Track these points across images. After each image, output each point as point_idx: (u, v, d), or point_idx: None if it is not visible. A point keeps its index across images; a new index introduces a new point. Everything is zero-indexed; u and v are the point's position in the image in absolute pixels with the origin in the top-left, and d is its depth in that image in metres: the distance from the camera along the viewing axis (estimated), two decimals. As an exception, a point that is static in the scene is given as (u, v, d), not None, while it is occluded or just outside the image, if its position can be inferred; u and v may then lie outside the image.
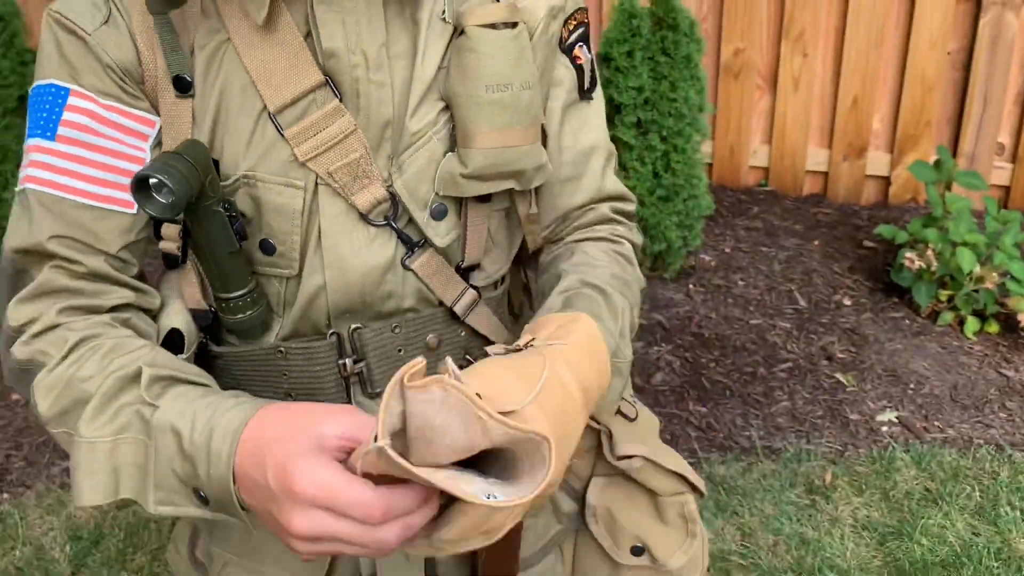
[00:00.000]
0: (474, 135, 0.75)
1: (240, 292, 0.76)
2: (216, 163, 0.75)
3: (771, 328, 2.68)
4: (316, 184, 0.75)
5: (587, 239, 0.87)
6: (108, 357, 0.70)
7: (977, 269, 2.55)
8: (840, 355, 2.57)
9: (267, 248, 0.76)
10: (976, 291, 2.62)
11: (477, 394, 0.54)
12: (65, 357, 0.70)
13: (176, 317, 0.78)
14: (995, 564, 1.91)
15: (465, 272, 0.83)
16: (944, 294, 2.67)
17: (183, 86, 0.73)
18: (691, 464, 0.96)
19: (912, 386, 2.46)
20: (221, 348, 0.82)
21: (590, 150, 0.86)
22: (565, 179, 0.85)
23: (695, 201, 2.72)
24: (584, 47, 0.84)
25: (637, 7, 2.66)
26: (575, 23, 0.83)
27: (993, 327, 2.65)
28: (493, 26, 0.75)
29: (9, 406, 2.47)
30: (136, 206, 0.73)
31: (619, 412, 0.88)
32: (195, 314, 0.79)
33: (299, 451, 0.58)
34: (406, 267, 0.78)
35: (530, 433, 0.54)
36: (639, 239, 0.92)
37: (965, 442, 2.26)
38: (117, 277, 0.75)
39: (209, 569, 0.88)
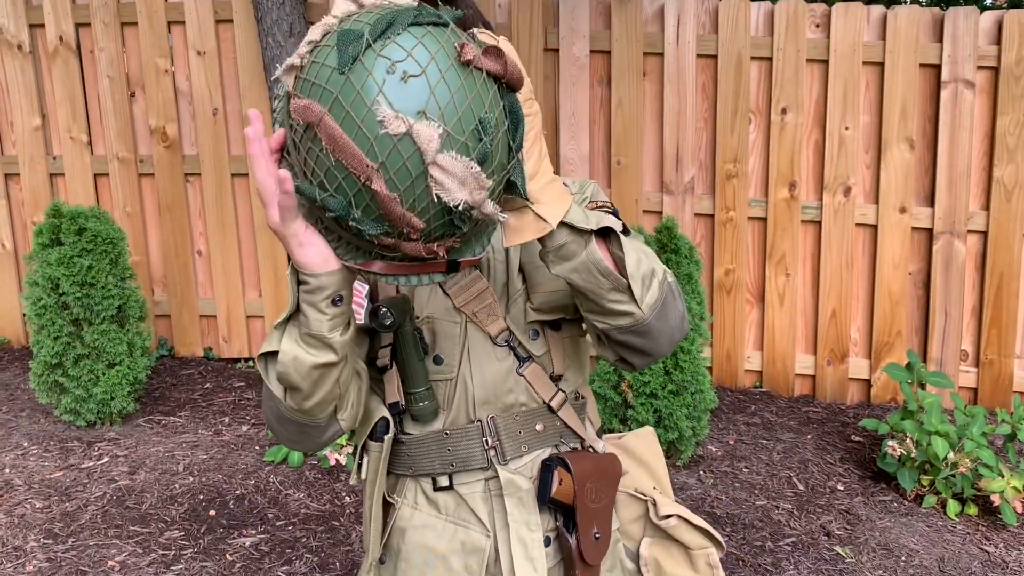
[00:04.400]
0: (537, 285, 1.18)
1: (422, 388, 1.17)
2: (412, 308, 1.18)
3: (775, 508, 3.00)
4: (466, 321, 1.17)
5: None
6: None
7: (951, 455, 2.93)
8: (838, 531, 2.88)
9: (438, 361, 1.18)
10: (953, 475, 2.97)
11: None
12: None
13: (382, 410, 1.18)
14: None
15: (556, 380, 1.21)
16: (926, 479, 3.03)
17: None
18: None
19: (903, 559, 2.75)
20: (405, 435, 1.21)
21: None
22: None
23: (701, 395, 3.13)
24: (611, 216, 1.15)
25: (645, 233, 3.20)
26: (594, 206, 1.20)
27: (972, 509, 2.98)
28: None
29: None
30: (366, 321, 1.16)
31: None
32: (391, 408, 1.18)
33: None
34: (519, 373, 1.18)
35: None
36: None
37: (954, 606, 2.53)
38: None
39: None
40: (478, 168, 0.89)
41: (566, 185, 1.25)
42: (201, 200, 4.08)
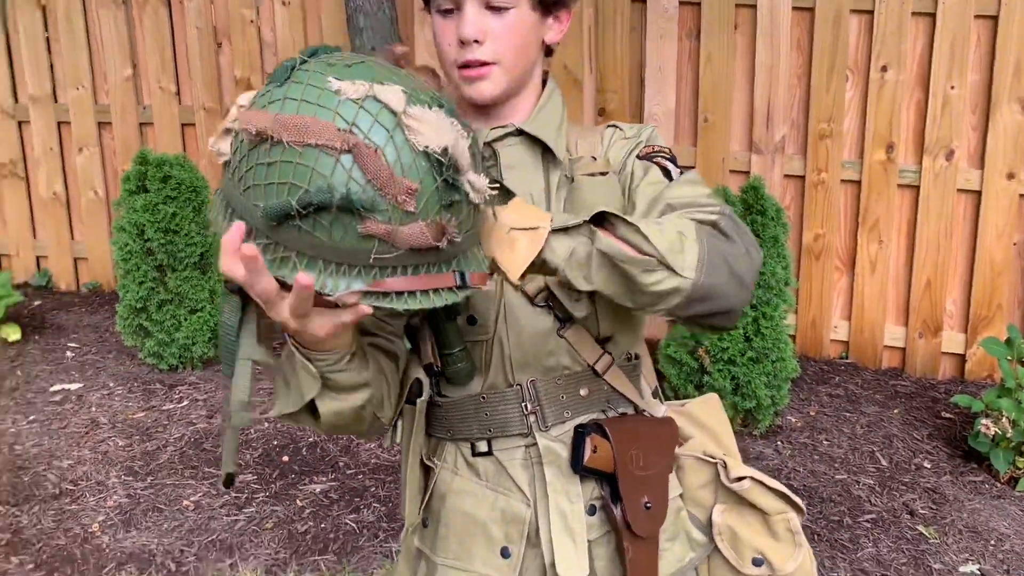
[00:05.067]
0: None
1: (456, 349, 1.08)
2: None
3: (855, 483, 2.88)
4: (502, 280, 1.03)
5: None
6: None
7: (1051, 437, 2.75)
8: (922, 511, 2.75)
9: (472, 321, 1.09)
10: (1052, 458, 2.79)
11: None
12: None
13: (417, 371, 1.12)
14: None
15: (603, 343, 1.12)
16: (1021, 461, 2.85)
17: None
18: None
19: (993, 542, 2.61)
20: (442, 398, 1.15)
21: (655, 201, 1.08)
22: None
23: (782, 363, 3.01)
24: (667, 162, 1.12)
25: (730, 194, 3.08)
26: (651, 150, 1.14)
27: (1071, 494, 2.80)
28: (591, 175, 1.13)
29: (167, 516, 2.81)
30: None
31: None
32: (427, 369, 1.12)
33: None
34: (560, 335, 1.10)
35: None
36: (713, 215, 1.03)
37: (1046, 595, 2.39)
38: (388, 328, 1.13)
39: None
40: (450, 118, 0.85)
41: (618, 128, 1.18)
42: (284, 152, 4.10)
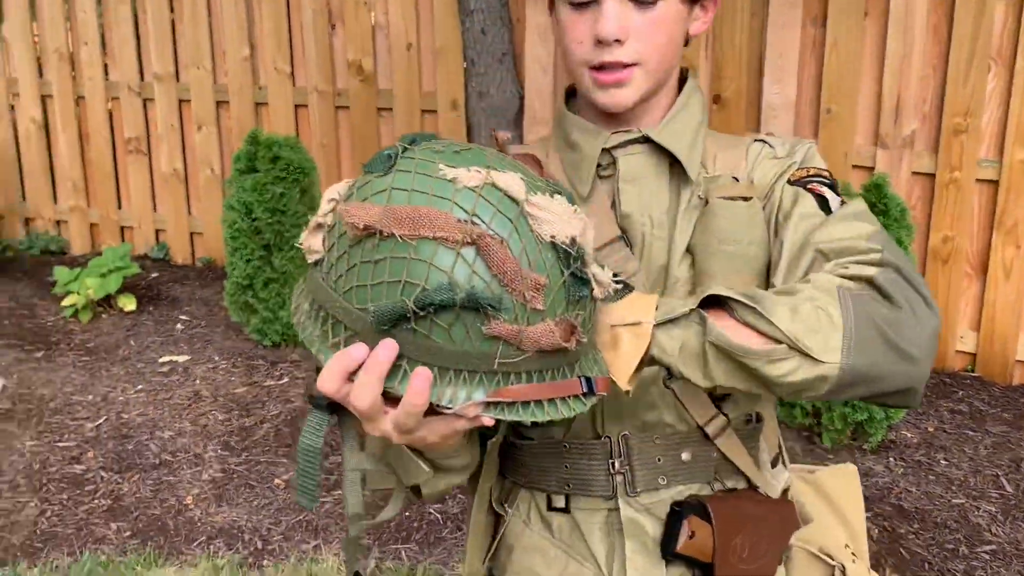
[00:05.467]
0: (709, 276, 0.93)
1: None
2: None
3: (974, 509, 2.66)
4: None
5: None
6: None
7: None
8: (1050, 545, 2.51)
9: None
10: None
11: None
12: None
13: None
14: None
15: (719, 400, 0.95)
16: None
17: None
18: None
19: None
20: (520, 440, 1.03)
21: (803, 246, 0.90)
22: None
23: (899, 375, 2.81)
24: (825, 188, 0.94)
25: (852, 191, 2.88)
26: (805, 173, 0.96)
27: None
28: (731, 199, 0.95)
29: (260, 492, 2.85)
30: None
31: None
32: None
33: None
34: (667, 386, 0.90)
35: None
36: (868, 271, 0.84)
37: None
38: None
39: None
40: (572, 206, 0.76)
41: (767, 144, 1.01)
42: (392, 135, 4.11)
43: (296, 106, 4.27)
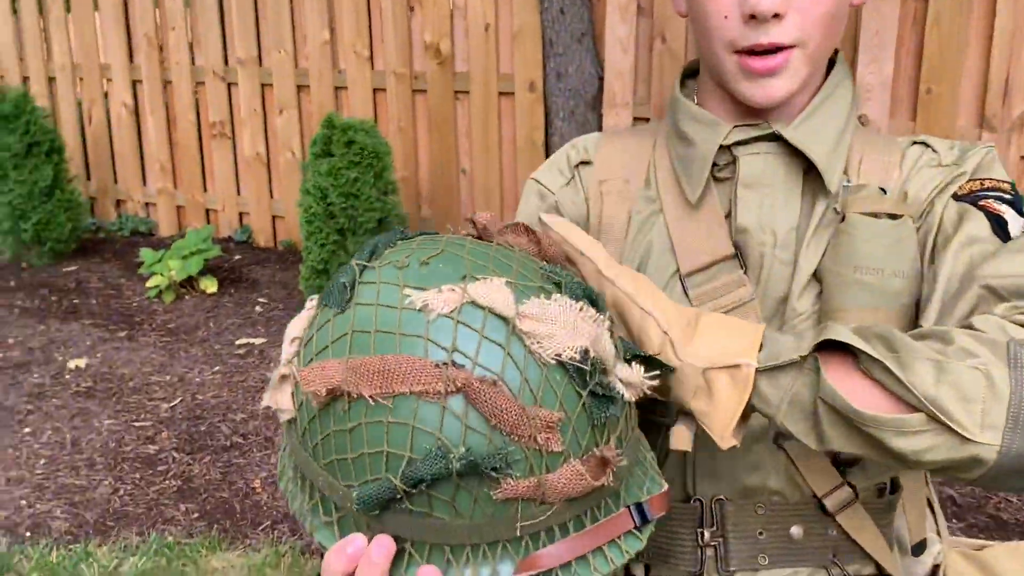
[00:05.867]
0: (838, 311, 0.75)
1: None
2: None
3: (1083, 524, 2.45)
4: None
5: None
6: None
7: None
8: None
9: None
10: None
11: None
12: None
13: None
14: None
15: (844, 466, 0.78)
16: None
17: None
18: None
19: None
20: None
21: (967, 278, 0.71)
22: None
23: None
24: (1003, 205, 0.75)
25: None
26: (978, 185, 0.76)
27: None
28: (875, 215, 0.76)
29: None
30: None
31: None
32: None
33: None
34: (778, 444, 0.76)
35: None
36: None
37: None
38: None
39: None
40: (578, 303, 0.61)
41: (929, 148, 0.81)
42: (468, 118, 4.05)
43: (375, 90, 4.26)
